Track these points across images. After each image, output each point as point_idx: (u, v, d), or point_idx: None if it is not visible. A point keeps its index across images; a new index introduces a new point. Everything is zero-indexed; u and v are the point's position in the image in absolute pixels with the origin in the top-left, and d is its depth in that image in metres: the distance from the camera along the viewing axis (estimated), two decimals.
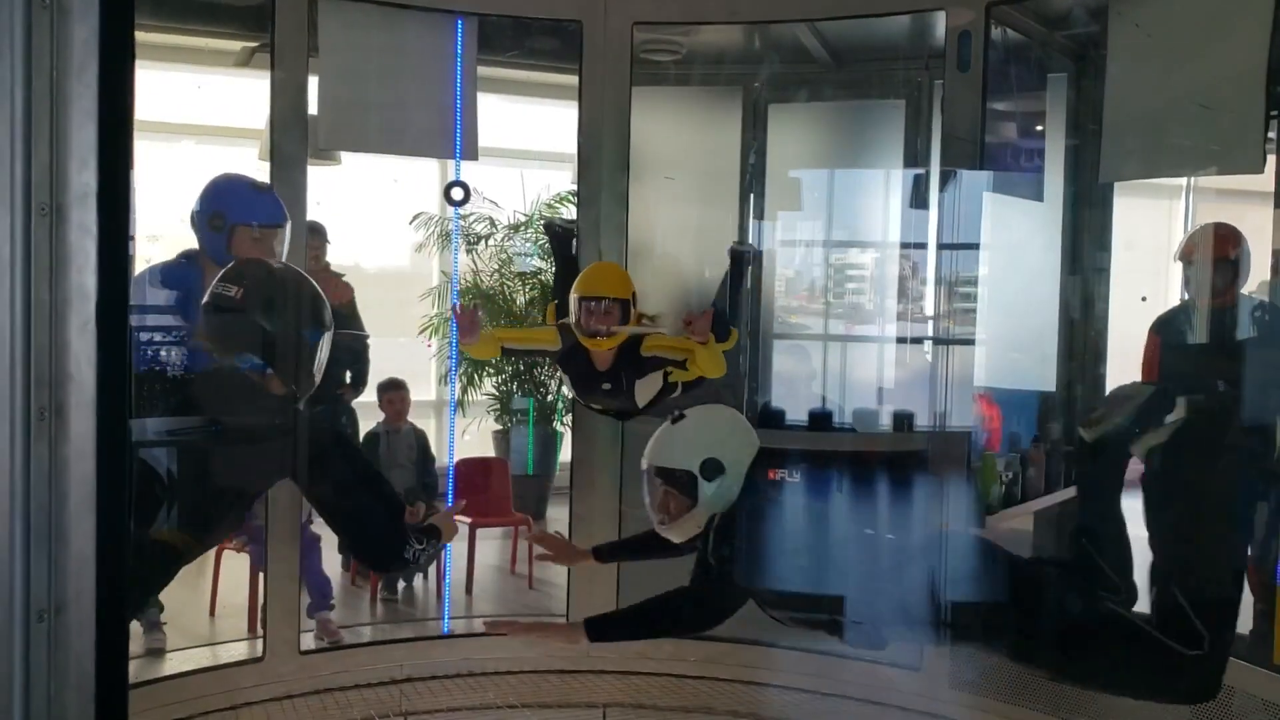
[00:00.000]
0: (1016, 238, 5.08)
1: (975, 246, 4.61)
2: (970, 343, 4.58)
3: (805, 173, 5.87)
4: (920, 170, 5.35)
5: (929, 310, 4.86)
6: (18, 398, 1.15)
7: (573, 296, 4.34)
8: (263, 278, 2.90)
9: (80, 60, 1.15)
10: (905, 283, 5.51)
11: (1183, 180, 6.86)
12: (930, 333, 4.86)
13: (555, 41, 5.89)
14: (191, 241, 3.63)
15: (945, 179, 4.68)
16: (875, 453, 4.93)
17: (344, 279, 6.26)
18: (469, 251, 7.62)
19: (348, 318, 6.04)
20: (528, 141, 8.24)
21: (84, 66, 1.15)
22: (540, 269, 7.76)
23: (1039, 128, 5.29)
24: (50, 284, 1.16)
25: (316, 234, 6.13)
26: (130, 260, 1.23)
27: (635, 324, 4.35)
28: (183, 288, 3.50)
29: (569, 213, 7.25)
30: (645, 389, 4.52)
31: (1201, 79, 4.00)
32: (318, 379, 2.94)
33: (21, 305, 1.15)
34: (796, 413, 5.06)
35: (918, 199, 5.27)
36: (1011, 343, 5.13)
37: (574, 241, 5.04)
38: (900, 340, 5.55)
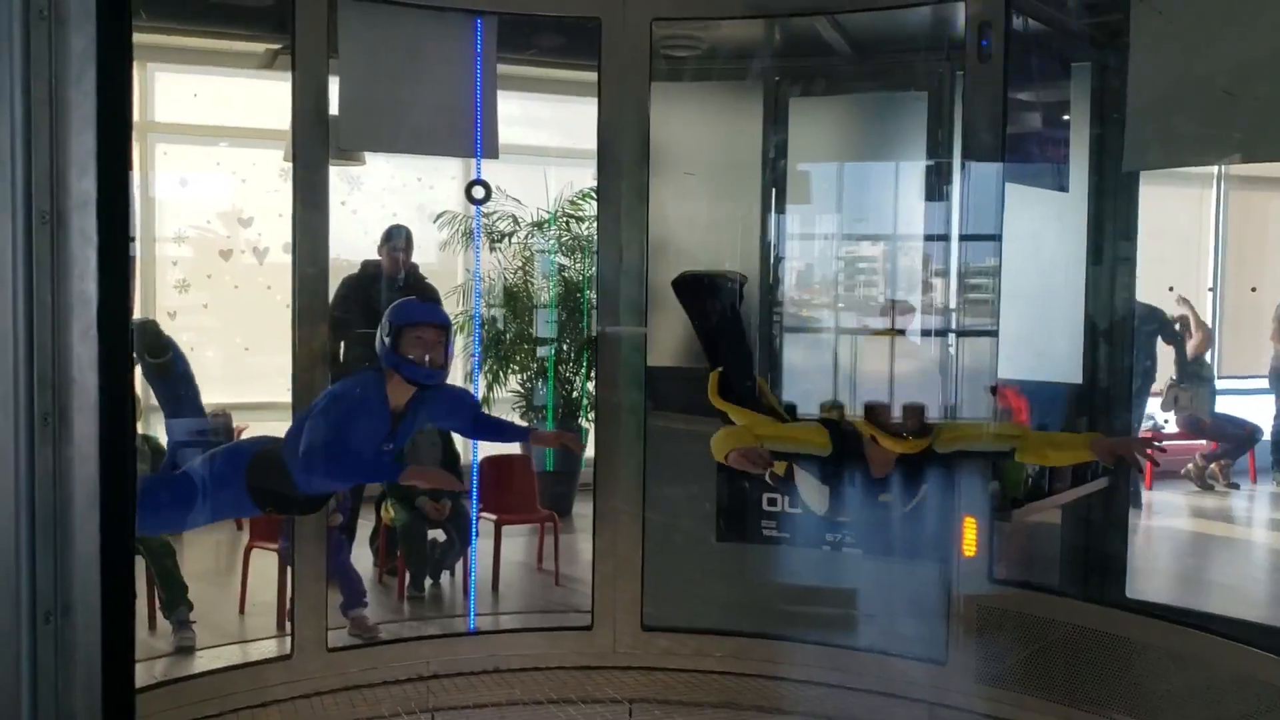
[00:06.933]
0: (1041, 228, 5.05)
1: (997, 238, 4.58)
2: (993, 334, 4.55)
3: (827, 166, 5.85)
4: (943, 162, 5.31)
5: (953, 303, 4.83)
6: (21, 402, 1.17)
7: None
8: None
9: (78, 68, 1.16)
10: (929, 275, 5.48)
11: (1213, 168, 6.76)
12: (954, 325, 4.84)
13: (561, 38, 5.89)
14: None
15: (967, 170, 4.65)
16: None
17: (427, 281, 6.39)
18: (493, 249, 7.65)
19: None
20: (550, 139, 8.27)
21: (82, 74, 1.16)
22: (563, 266, 7.77)
23: (1064, 117, 5.25)
24: (52, 290, 1.18)
25: (395, 238, 6.23)
26: (131, 265, 1.24)
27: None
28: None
29: (590, 209, 7.25)
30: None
31: (1225, 65, 3.96)
32: None
33: (24, 311, 1.16)
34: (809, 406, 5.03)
35: (940, 191, 5.24)
36: (1036, 335, 5.09)
37: (735, 294, 4.14)
38: (924, 333, 5.52)
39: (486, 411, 5.59)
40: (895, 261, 5.74)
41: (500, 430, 5.04)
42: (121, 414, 1.20)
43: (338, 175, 7.54)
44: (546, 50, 6.30)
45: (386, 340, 4.04)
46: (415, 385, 4.07)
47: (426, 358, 4.01)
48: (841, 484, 3.82)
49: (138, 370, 4.00)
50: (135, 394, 1.23)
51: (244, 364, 7.52)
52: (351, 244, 6.61)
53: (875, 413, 3.64)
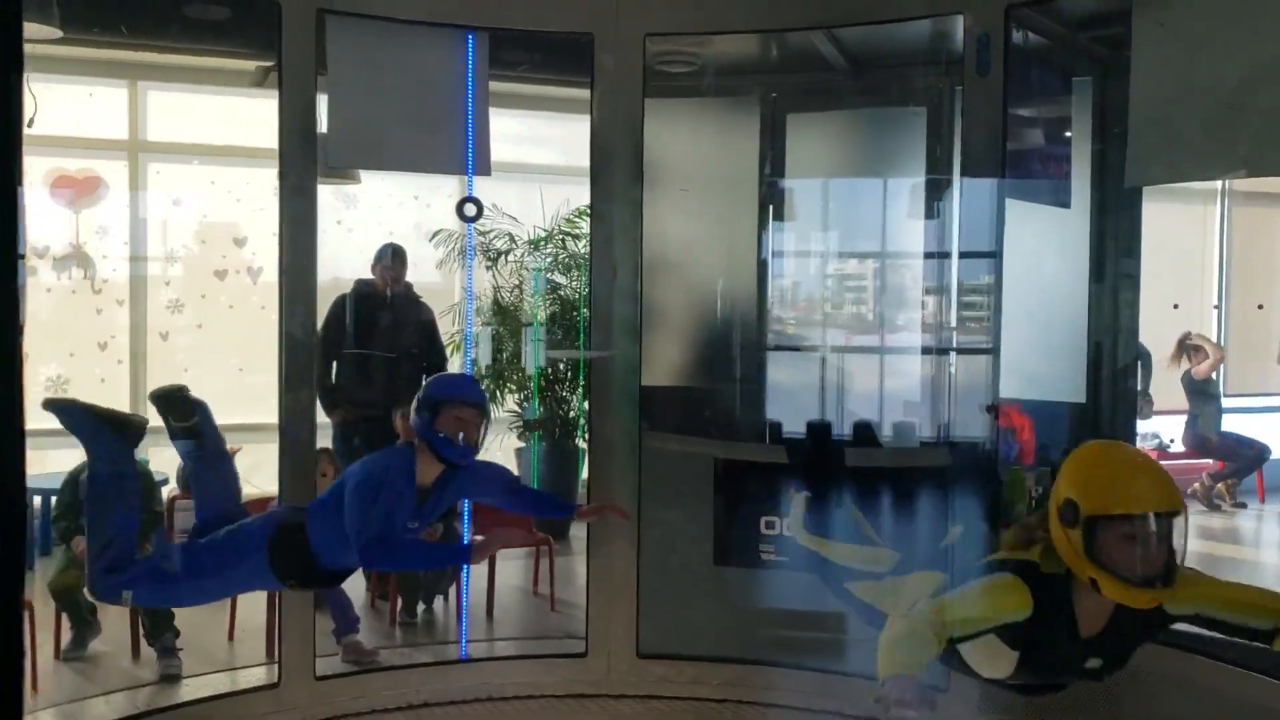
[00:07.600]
0: (1041, 245, 4.96)
1: (998, 255, 4.50)
2: (993, 352, 4.47)
3: (824, 182, 5.78)
4: (942, 178, 5.24)
5: (952, 321, 4.75)
6: None
7: (1088, 514, 2.57)
8: None
9: None
10: (928, 292, 5.41)
11: (1217, 184, 6.69)
12: (953, 343, 4.76)
13: (554, 55, 5.83)
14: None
15: (966, 186, 4.57)
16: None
17: (422, 300, 6.35)
18: (488, 268, 7.58)
19: (429, 339, 6.38)
20: (546, 156, 8.22)
21: None
22: (558, 285, 7.69)
23: (1065, 133, 5.17)
24: None
25: (393, 257, 6.21)
26: (21, 286, 1.14)
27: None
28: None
29: (588, 226, 7.18)
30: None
31: (1229, 79, 3.88)
32: None
33: None
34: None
35: (939, 207, 5.16)
36: (1039, 353, 5.01)
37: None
38: (925, 351, 5.44)
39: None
40: (893, 278, 5.67)
41: (541, 505, 4.93)
42: (9, 441, 1.10)
43: (334, 194, 7.50)
44: (539, 66, 6.25)
45: (425, 414, 3.84)
46: (446, 464, 3.91)
47: (461, 436, 3.83)
48: (1036, 649, 2.74)
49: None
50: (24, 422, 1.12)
51: (238, 384, 7.44)
52: (348, 263, 6.55)
53: (1108, 547, 2.58)
